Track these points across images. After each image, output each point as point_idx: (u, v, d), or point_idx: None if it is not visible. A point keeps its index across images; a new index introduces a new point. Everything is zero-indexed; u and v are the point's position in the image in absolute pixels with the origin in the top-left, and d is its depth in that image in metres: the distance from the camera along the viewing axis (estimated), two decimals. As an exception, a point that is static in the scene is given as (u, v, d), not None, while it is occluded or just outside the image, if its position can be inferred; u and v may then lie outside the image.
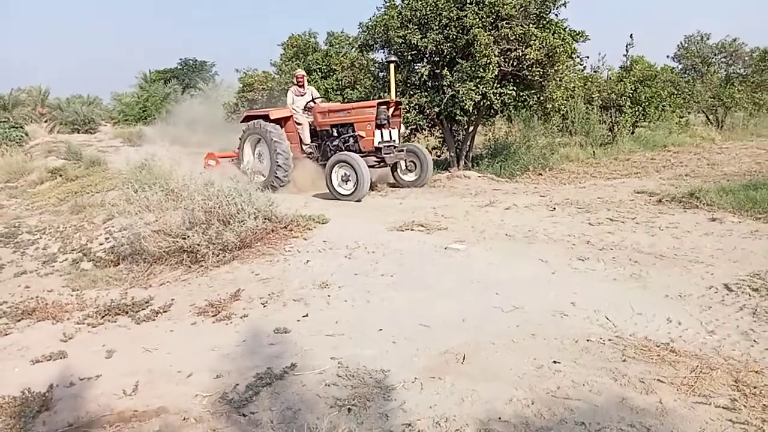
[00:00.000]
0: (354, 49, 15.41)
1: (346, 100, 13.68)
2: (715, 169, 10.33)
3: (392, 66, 9.85)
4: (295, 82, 10.50)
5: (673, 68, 20.28)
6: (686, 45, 20.79)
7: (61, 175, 11.90)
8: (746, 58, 19.58)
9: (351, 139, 9.37)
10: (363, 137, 9.12)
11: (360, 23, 12.10)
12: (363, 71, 14.13)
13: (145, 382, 3.12)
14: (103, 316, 4.31)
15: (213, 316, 4.13)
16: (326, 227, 6.35)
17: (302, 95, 10.36)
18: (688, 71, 20.50)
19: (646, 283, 4.34)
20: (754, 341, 3.24)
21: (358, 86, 14.14)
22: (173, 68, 36.53)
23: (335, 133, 9.67)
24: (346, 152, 8.86)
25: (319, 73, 15.88)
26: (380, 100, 9.45)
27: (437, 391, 2.82)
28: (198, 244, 5.28)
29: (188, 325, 4.07)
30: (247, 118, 10.23)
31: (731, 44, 19.65)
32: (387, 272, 4.85)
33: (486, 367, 3.07)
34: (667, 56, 21.39)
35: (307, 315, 4.01)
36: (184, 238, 5.36)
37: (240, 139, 10.22)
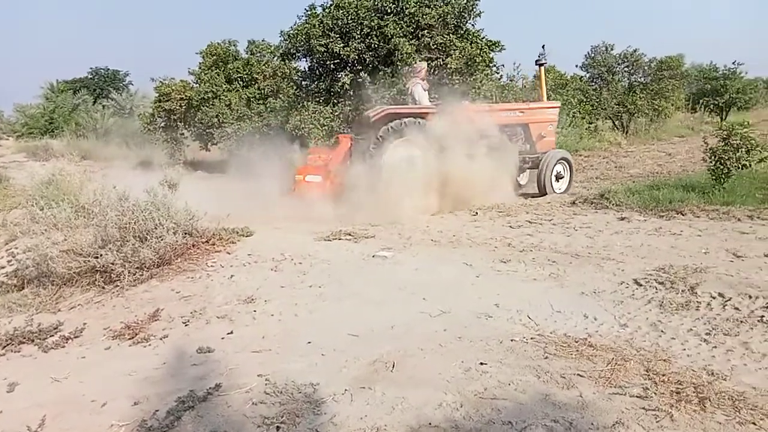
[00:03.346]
0: (276, 58, 15.22)
1: (269, 109, 13.48)
2: (622, 172, 11.03)
3: (542, 68, 9.96)
4: (422, 77, 9.40)
5: (582, 77, 21.51)
6: (593, 55, 22.09)
7: (-46, 194, 10.93)
8: (645, 68, 21.08)
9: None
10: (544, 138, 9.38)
11: (281, 32, 12.02)
12: (286, 80, 14.00)
13: (53, 415, 2.89)
14: (4, 347, 3.96)
15: (130, 338, 3.90)
16: (251, 240, 6.19)
17: (426, 90, 9.32)
18: (595, 80, 21.78)
19: (564, 282, 4.54)
20: (662, 331, 3.45)
21: (281, 95, 13.98)
22: (83, 78, 34.58)
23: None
24: (562, 150, 9.48)
25: (241, 82, 15.55)
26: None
27: (368, 401, 2.80)
28: (112, 263, 4.98)
29: (102, 350, 3.82)
30: (389, 116, 8.30)
31: (632, 54, 21.08)
32: (315, 283, 4.78)
33: (415, 373, 3.09)
34: (576, 66, 22.63)
35: (232, 332, 3.87)
36: (97, 257, 5.04)
37: (377, 138, 8.19)
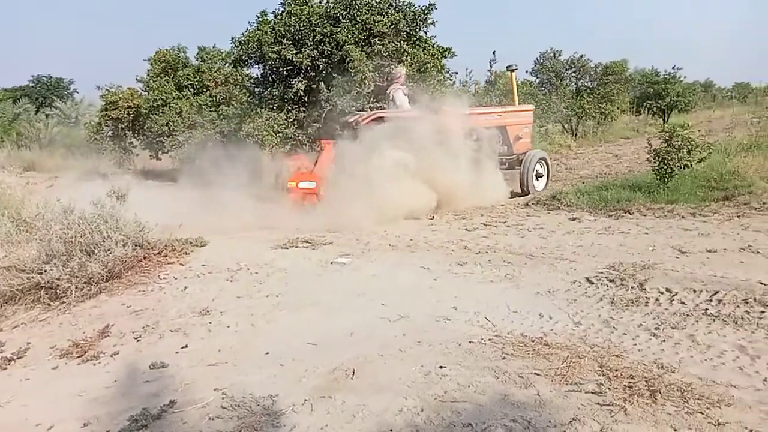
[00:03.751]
0: (227, 65, 14.98)
1: (221, 116, 13.24)
2: (573, 173, 11.36)
3: (513, 74, 10.48)
4: (402, 82, 9.39)
5: (532, 82, 22.07)
6: (541, 61, 22.72)
7: None
8: (591, 73, 21.82)
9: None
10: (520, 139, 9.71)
11: (232, 38, 11.83)
12: (238, 87, 13.79)
13: (-5, 441, 2.74)
14: (-60, 371, 3.73)
15: (78, 357, 3.73)
16: (205, 250, 6.05)
17: (407, 95, 9.24)
18: (544, 84, 22.40)
19: (519, 283, 4.62)
20: (614, 328, 3.56)
21: (233, 102, 13.76)
22: (24, 86, 33.12)
23: None
24: (540, 150, 10.04)
25: (191, 90, 15.22)
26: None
27: (328, 411, 2.77)
28: (58, 279, 4.77)
29: (48, 369, 3.64)
30: (379, 120, 8.28)
31: (579, 60, 21.81)
32: (272, 292, 4.71)
33: (375, 379, 3.07)
34: (526, 71, 23.23)
35: (186, 346, 3.76)
36: (41, 273, 4.81)
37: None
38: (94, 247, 5.10)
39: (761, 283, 4.07)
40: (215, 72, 15.48)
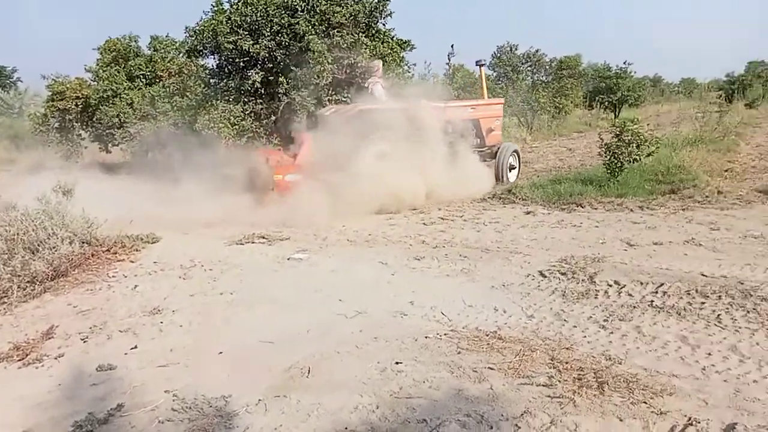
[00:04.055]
0: (181, 55, 14.55)
1: (175, 108, 12.86)
2: (528, 167, 11.56)
3: (482, 69, 10.76)
4: (380, 75, 9.60)
5: (489, 75, 22.34)
6: (499, 55, 23.04)
7: None
8: (547, 67, 22.27)
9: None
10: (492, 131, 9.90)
11: (186, 27, 11.47)
12: (193, 78, 13.41)
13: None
14: None
15: (19, 360, 3.57)
16: (157, 246, 5.90)
17: (385, 88, 9.37)
18: (501, 78, 22.73)
19: (475, 277, 4.68)
20: (565, 320, 3.65)
21: (188, 93, 13.38)
22: (-38, 74, 31.40)
23: None
24: (513, 143, 10.33)
25: (143, 80, 14.72)
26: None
27: (282, 410, 2.74)
28: (-2, 279, 4.56)
29: (-12, 375, 3.48)
30: (361, 113, 8.32)
31: (534, 54, 22.22)
32: (227, 290, 4.63)
33: (331, 377, 3.06)
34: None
35: (136, 346, 3.65)
36: (-20, 273, 4.59)
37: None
38: (39, 245, 4.90)
39: (703, 275, 4.24)
40: (169, 62, 15.01)
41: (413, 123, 8.15)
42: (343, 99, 10.66)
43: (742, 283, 3.98)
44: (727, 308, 3.59)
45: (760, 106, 26.83)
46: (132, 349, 3.62)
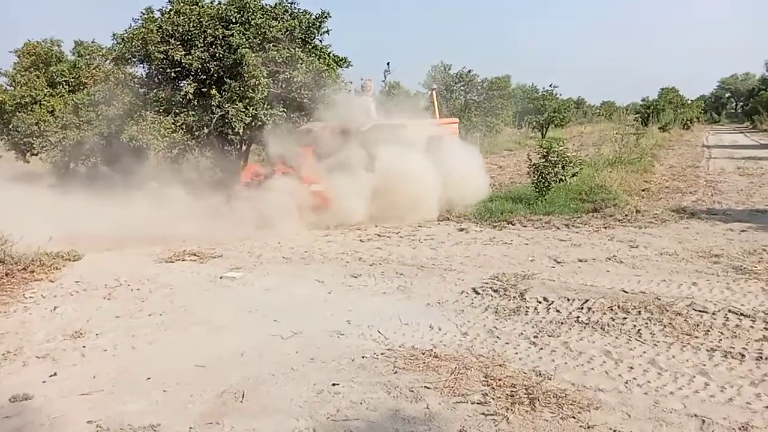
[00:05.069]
0: (108, 62, 13.94)
1: (101, 117, 12.28)
2: (462, 184, 11.84)
3: (434, 92, 11.39)
4: (371, 94, 9.81)
5: (424, 94, 22.80)
6: (433, 74, 23.56)
7: None
8: (479, 87, 23.02)
9: None
10: None
11: (114, 34, 11.05)
12: (120, 86, 12.88)
13: None
14: None
15: None
16: (79, 264, 5.60)
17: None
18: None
19: (411, 294, 4.74)
20: (497, 337, 3.75)
21: (115, 102, 12.82)
22: None
23: None
24: None
25: (66, 87, 13.97)
26: None
27: (215, 438, 2.65)
28: None
29: None
30: (376, 128, 8.53)
31: (467, 74, 22.89)
32: (155, 311, 4.44)
33: (266, 401, 3.00)
34: (419, 83, 23.94)
35: (55, 374, 3.42)
36: None
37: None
38: (-56, 265, 4.52)
39: (624, 291, 4.50)
40: (94, 69, 14.34)
41: (412, 137, 8.58)
42: (279, 114, 10.55)
43: (659, 299, 4.26)
44: (646, 323, 3.82)
45: (672, 130, 28.97)
46: (51, 376, 3.39)
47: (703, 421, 2.61)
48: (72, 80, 14.15)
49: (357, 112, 9.43)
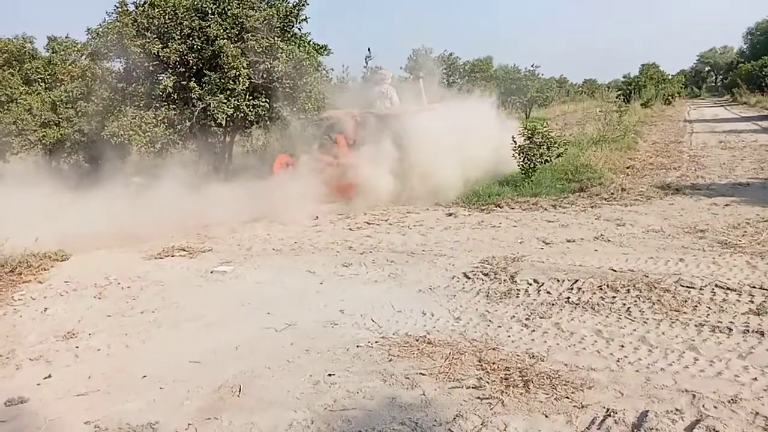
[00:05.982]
0: (84, 57, 13.68)
1: (80, 114, 12.08)
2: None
3: (421, 80, 11.20)
4: (389, 82, 10.37)
5: (406, 78, 22.71)
6: (415, 57, 23.47)
7: None
8: (461, 70, 22.98)
9: None
10: None
11: (88, 29, 10.81)
12: (98, 82, 12.65)
13: None
14: None
15: None
16: (67, 264, 5.56)
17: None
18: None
19: (403, 281, 4.76)
20: (490, 321, 3.79)
21: (93, 98, 12.60)
22: None
23: None
24: None
25: (42, 84, 13.69)
26: None
27: (214, 433, 2.67)
28: None
29: None
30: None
31: (449, 58, 22.85)
32: (147, 308, 4.42)
33: (263, 394, 3.01)
34: (400, 68, 23.87)
35: (49, 376, 3.41)
36: None
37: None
38: (-72, 271, 4.45)
39: (612, 270, 4.56)
40: (70, 65, 14.06)
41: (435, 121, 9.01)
42: (261, 104, 10.44)
43: (647, 276, 4.32)
44: (635, 301, 3.88)
45: (654, 105, 29.13)
46: (45, 378, 3.38)
47: (694, 396, 2.67)
48: (48, 77, 13.87)
49: (379, 100, 10.11)
